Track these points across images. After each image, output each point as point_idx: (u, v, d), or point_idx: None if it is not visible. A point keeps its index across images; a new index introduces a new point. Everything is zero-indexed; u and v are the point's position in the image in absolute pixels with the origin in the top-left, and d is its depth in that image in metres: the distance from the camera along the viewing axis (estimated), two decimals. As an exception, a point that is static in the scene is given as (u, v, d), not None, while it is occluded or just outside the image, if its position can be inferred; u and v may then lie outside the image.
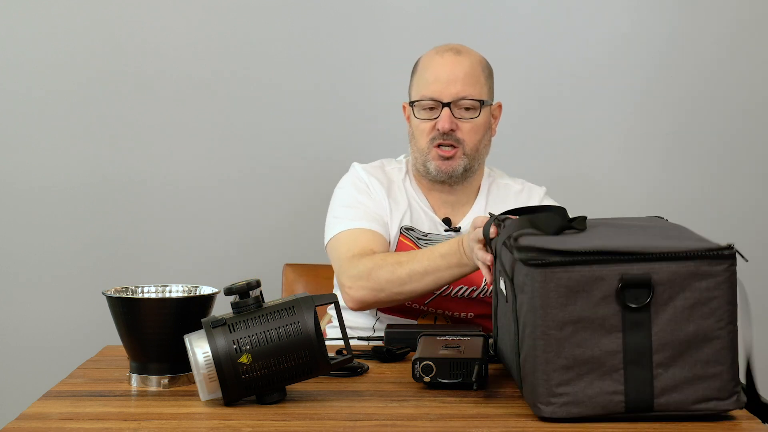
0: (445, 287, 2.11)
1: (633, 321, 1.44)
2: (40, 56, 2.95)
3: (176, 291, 1.77)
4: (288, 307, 1.56)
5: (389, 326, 1.97)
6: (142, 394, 1.63)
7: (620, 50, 2.97)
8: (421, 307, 2.17)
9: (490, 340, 1.83)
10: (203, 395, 1.54)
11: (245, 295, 1.57)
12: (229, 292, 1.57)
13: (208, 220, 2.99)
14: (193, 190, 2.98)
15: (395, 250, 2.18)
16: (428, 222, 2.22)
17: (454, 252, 1.96)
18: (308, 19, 2.96)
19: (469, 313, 2.18)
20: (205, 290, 1.74)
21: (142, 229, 2.98)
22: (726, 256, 1.44)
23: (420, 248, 2.15)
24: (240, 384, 1.53)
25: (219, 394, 1.54)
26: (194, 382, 1.58)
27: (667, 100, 2.96)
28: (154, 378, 1.66)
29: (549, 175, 2.87)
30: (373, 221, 2.17)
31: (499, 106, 2.27)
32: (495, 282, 1.73)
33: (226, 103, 2.97)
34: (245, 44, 2.96)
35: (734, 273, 1.44)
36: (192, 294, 1.75)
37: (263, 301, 1.58)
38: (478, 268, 1.87)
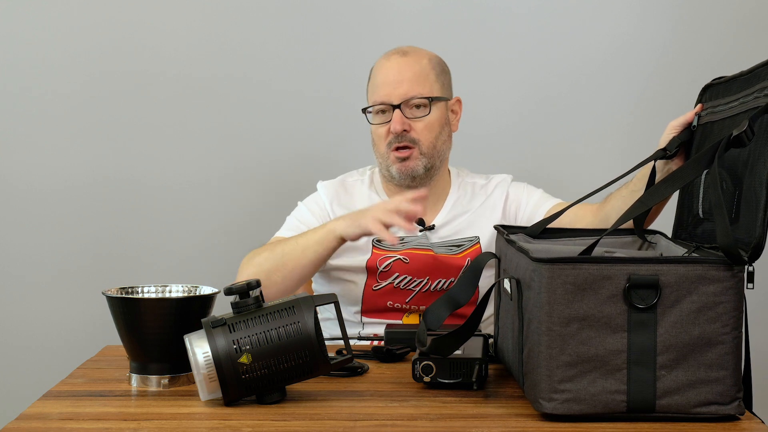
0: (424, 283, 2.17)
1: (639, 321, 1.44)
2: (40, 56, 2.95)
3: (176, 291, 1.77)
4: (288, 307, 1.56)
5: (389, 326, 1.98)
6: (142, 394, 1.63)
7: (620, 50, 2.97)
8: (404, 305, 2.20)
9: (491, 340, 1.84)
10: (203, 395, 1.54)
11: (245, 295, 1.57)
12: (229, 292, 1.57)
13: (209, 220, 2.99)
14: (194, 190, 2.98)
15: (368, 261, 2.21)
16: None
17: (321, 230, 2.06)
18: (308, 21, 2.96)
19: None
20: (205, 290, 1.74)
21: (142, 229, 2.98)
22: (734, 261, 1.44)
23: (396, 252, 2.21)
24: (240, 384, 1.53)
25: (219, 394, 1.54)
26: (194, 382, 1.58)
27: (666, 100, 2.96)
28: (154, 378, 1.66)
29: (548, 176, 2.87)
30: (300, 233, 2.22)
31: (458, 101, 2.29)
32: (498, 282, 1.73)
33: (227, 104, 2.97)
34: (247, 46, 2.96)
35: (742, 279, 1.44)
36: (192, 294, 1.75)
37: (263, 301, 1.58)
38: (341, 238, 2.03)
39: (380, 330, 2.18)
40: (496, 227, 1.87)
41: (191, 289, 1.76)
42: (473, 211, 2.27)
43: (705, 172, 1.62)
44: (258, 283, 1.58)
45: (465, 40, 2.96)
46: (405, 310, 2.21)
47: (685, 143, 1.88)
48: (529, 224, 2.22)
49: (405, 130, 2.17)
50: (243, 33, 2.95)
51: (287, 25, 2.96)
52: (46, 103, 2.96)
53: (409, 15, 2.96)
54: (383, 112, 2.19)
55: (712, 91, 1.84)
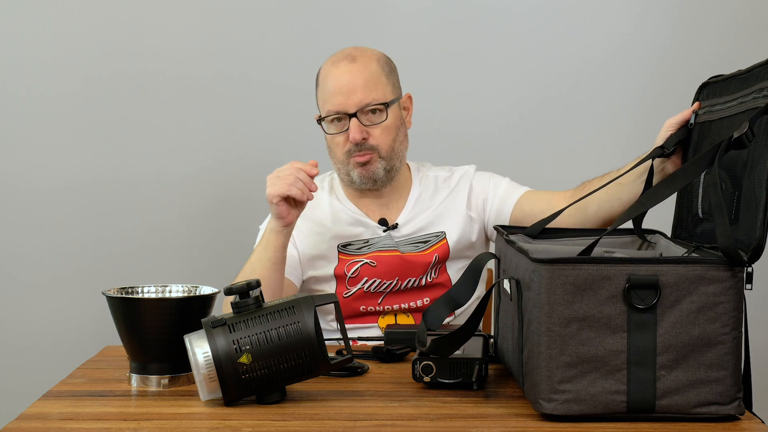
0: (394, 284, 2.19)
1: (638, 322, 1.44)
2: (40, 56, 2.95)
3: (176, 291, 1.77)
4: (288, 307, 1.56)
5: (389, 326, 1.98)
6: (142, 394, 1.63)
7: (620, 50, 2.97)
8: (377, 308, 2.20)
9: (491, 341, 1.84)
10: (203, 395, 1.54)
11: (245, 295, 1.57)
12: (229, 292, 1.57)
13: (209, 220, 2.99)
14: (194, 191, 2.98)
15: (335, 269, 2.21)
16: (365, 230, 2.23)
17: (269, 237, 2.05)
18: (308, 21, 2.96)
19: (425, 298, 2.22)
20: (205, 290, 1.74)
21: (142, 229, 2.98)
22: (735, 263, 1.44)
23: (363, 256, 2.20)
24: (240, 384, 1.53)
25: (219, 394, 1.54)
26: (194, 382, 1.58)
27: (666, 100, 2.96)
28: (154, 378, 1.66)
29: (548, 176, 2.87)
30: None
31: (409, 98, 2.27)
32: (498, 283, 1.73)
33: (226, 104, 2.97)
34: (247, 46, 2.96)
35: (741, 279, 1.44)
36: (192, 294, 1.75)
37: (263, 301, 1.58)
38: (287, 224, 2.02)
39: (359, 335, 2.20)
40: (495, 227, 1.87)
41: (191, 289, 1.76)
42: (437, 206, 2.25)
43: (704, 172, 1.62)
44: (258, 283, 1.58)
45: (465, 40, 2.96)
46: (379, 312, 2.21)
47: (682, 141, 1.88)
48: (498, 215, 2.23)
49: (364, 138, 2.14)
50: (243, 33, 2.96)
51: (287, 25, 2.96)
52: (46, 103, 2.96)
53: (409, 15, 2.96)
54: (339, 120, 2.16)
55: (709, 89, 1.85)
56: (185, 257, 2.99)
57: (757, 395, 1.58)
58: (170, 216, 2.98)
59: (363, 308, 2.20)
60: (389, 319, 2.21)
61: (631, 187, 1.99)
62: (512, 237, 1.75)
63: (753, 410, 1.54)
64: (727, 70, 1.86)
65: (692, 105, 1.88)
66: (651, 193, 1.59)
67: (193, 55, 2.96)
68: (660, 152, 1.88)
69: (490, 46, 2.97)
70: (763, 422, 1.49)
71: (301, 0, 2.95)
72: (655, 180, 1.93)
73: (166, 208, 2.98)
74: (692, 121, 1.86)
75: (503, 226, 1.87)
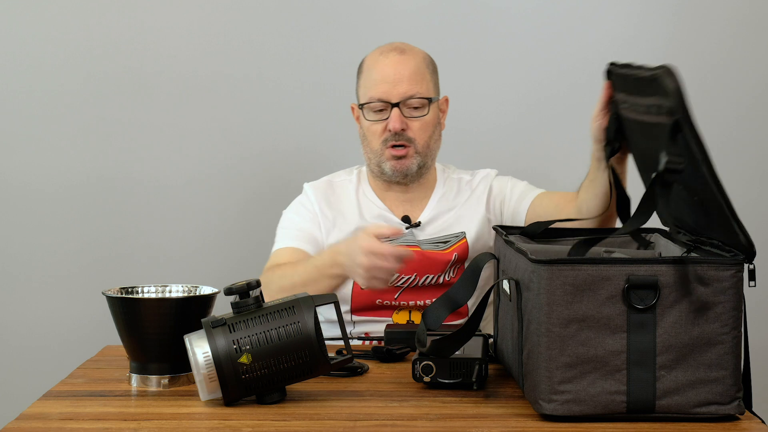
0: (412, 279, 2.19)
1: (638, 322, 1.44)
2: (40, 56, 2.95)
3: (176, 291, 1.77)
4: (288, 307, 1.56)
5: (389, 326, 1.98)
6: (142, 394, 1.63)
7: (620, 50, 2.97)
8: (393, 302, 2.21)
9: (490, 341, 1.84)
10: (203, 395, 1.54)
11: (245, 295, 1.57)
12: (229, 292, 1.57)
13: (209, 220, 2.99)
14: (194, 190, 2.98)
15: None
16: (388, 224, 2.23)
17: (328, 264, 2.01)
18: (307, 20, 2.95)
19: None
20: (205, 290, 1.74)
21: (142, 229, 2.98)
22: (733, 262, 1.44)
23: None
24: (240, 384, 1.53)
25: (219, 394, 1.54)
26: (194, 382, 1.59)
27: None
28: (154, 378, 1.67)
29: (548, 175, 2.87)
30: (299, 240, 2.22)
31: (446, 100, 2.31)
32: (497, 283, 1.73)
33: (227, 103, 2.97)
34: (247, 45, 2.96)
35: (741, 279, 1.44)
36: (192, 294, 1.75)
37: (263, 301, 1.58)
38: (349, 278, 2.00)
39: (371, 328, 2.20)
40: (494, 228, 1.87)
41: (191, 289, 1.77)
42: (459, 206, 2.27)
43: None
44: (258, 283, 1.58)
45: (464, 39, 2.96)
46: (395, 306, 2.22)
47: (622, 131, 1.86)
48: (514, 216, 2.24)
49: (403, 129, 2.18)
50: (243, 32, 2.95)
51: (287, 24, 2.95)
52: (46, 103, 2.95)
53: (408, 14, 2.95)
54: (380, 110, 2.19)
55: (615, 78, 1.84)
56: (185, 257, 2.98)
57: (757, 395, 1.58)
58: (170, 216, 2.98)
59: (379, 301, 2.21)
60: (404, 315, 2.21)
61: (600, 180, 1.98)
62: (511, 237, 1.75)
63: (753, 410, 1.54)
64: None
65: (603, 86, 1.88)
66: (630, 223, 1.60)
67: (192, 54, 2.95)
68: (613, 150, 1.88)
69: (489, 45, 2.97)
70: (763, 422, 1.49)
71: (301, 0, 2.95)
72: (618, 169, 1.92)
73: (166, 208, 2.98)
74: (615, 110, 1.85)
75: (502, 227, 1.87)
